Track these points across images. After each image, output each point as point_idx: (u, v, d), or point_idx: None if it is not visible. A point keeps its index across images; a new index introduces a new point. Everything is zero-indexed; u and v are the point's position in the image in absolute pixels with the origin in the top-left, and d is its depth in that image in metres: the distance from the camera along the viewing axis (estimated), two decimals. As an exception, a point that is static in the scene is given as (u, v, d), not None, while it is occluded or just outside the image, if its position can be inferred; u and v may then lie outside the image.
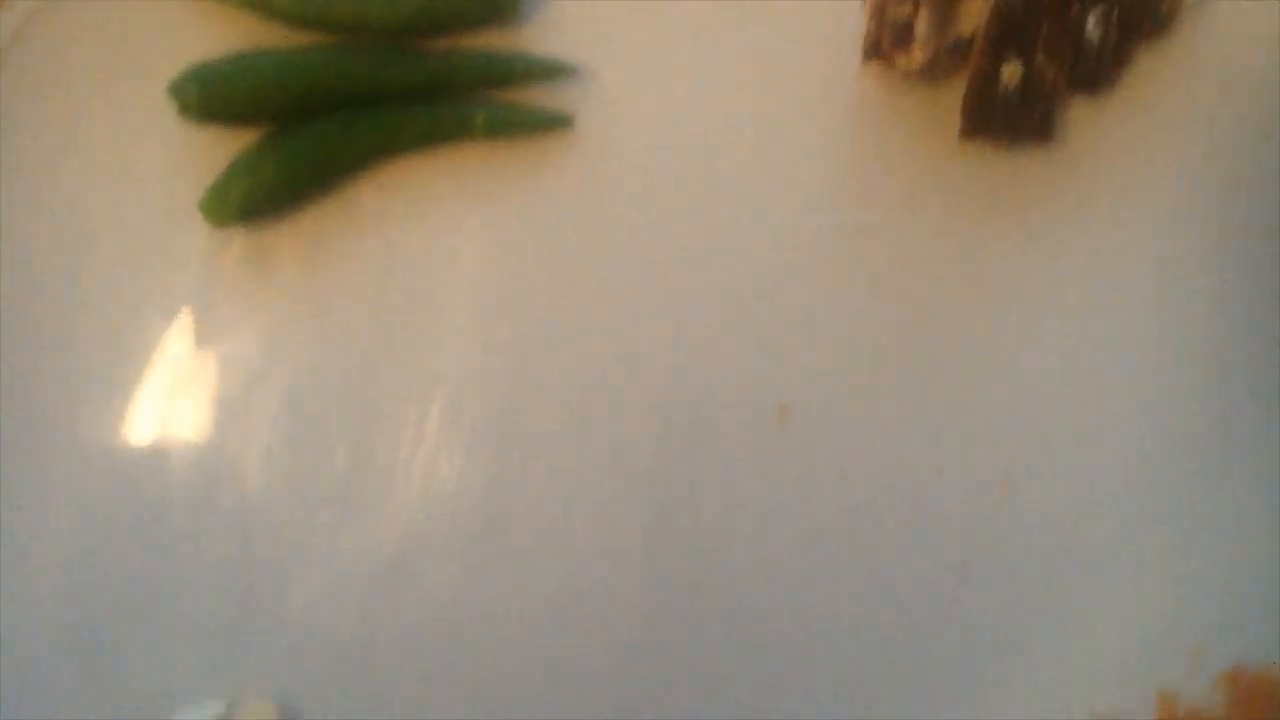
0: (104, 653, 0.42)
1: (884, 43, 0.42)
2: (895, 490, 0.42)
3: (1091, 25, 0.42)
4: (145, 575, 0.42)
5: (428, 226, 0.43)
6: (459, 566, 0.42)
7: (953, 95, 0.43)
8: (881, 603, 0.41)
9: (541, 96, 0.44)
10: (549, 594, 0.42)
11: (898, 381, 0.42)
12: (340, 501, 0.42)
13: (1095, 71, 0.42)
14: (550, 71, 0.44)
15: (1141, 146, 0.43)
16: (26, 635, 0.42)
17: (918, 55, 0.42)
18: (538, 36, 0.44)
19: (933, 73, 0.43)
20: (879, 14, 0.42)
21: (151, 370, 0.43)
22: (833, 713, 0.41)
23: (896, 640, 0.41)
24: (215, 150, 0.42)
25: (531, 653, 0.42)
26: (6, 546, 0.42)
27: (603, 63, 0.44)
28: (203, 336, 0.43)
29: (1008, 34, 0.41)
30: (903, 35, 0.41)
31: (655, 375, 0.42)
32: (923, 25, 0.41)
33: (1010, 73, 0.41)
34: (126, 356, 0.43)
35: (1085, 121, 0.43)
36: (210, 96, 0.42)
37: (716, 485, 0.42)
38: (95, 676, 0.42)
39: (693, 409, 0.42)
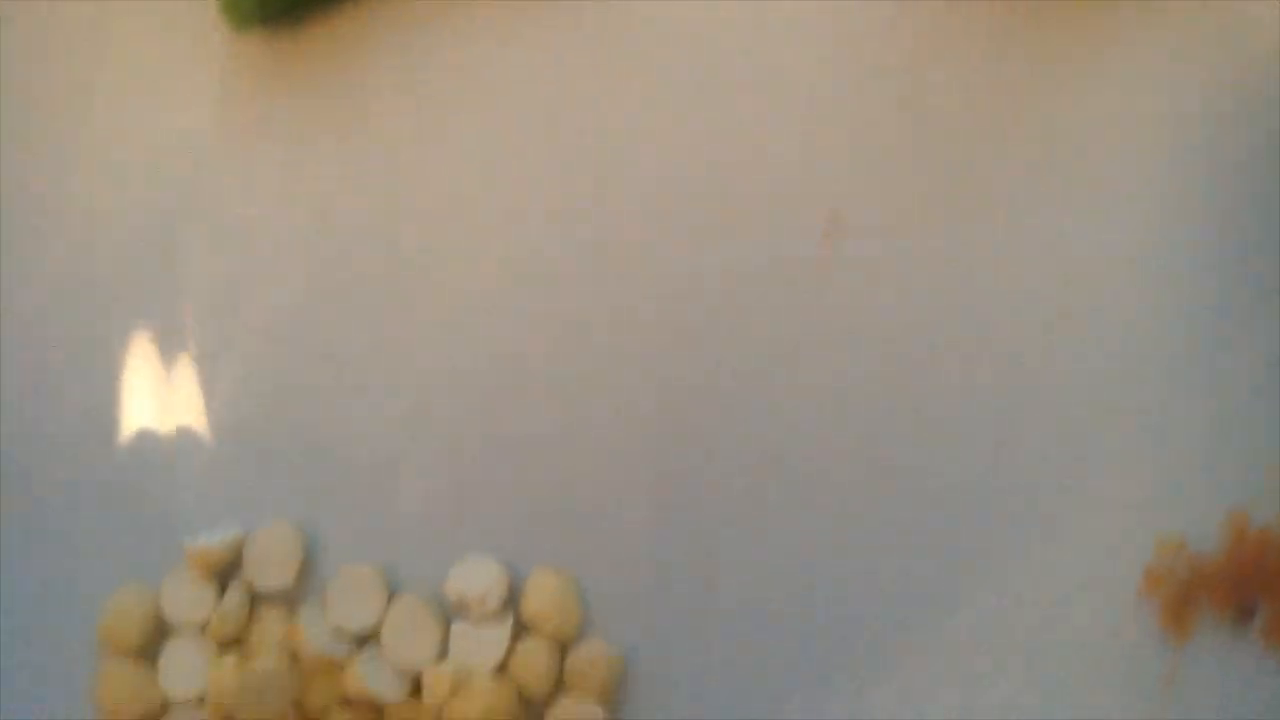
0: (121, 480, 0.40)
1: None
2: (948, 309, 0.40)
3: None
4: (161, 396, 0.40)
5: (461, 30, 0.41)
6: (485, 391, 0.40)
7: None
8: (938, 423, 0.39)
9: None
10: (574, 416, 0.40)
11: (948, 198, 0.40)
12: (367, 326, 0.40)
13: None
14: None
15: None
16: (39, 465, 0.40)
17: None
18: None
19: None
20: None
21: (166, 181, 0.41)
22: (886, 536, 0.39)
23: (950, 463, 0.39)
24: (236, -54, 0.41)
25: (553, 481, 0.40)
26: (10, 372, 0.40)
27: None
28: (221, 147, 0.41)
29: None
30: None
31: (696, 185, 0.40)
32: None
33: None
34: (139, 167, 0.41)
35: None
36: (231, -112, 0.40)
37: (757, 295, 0.40)
38: (112, 505, 0.40)
39: (737, 217, 0.40)
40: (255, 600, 0.39)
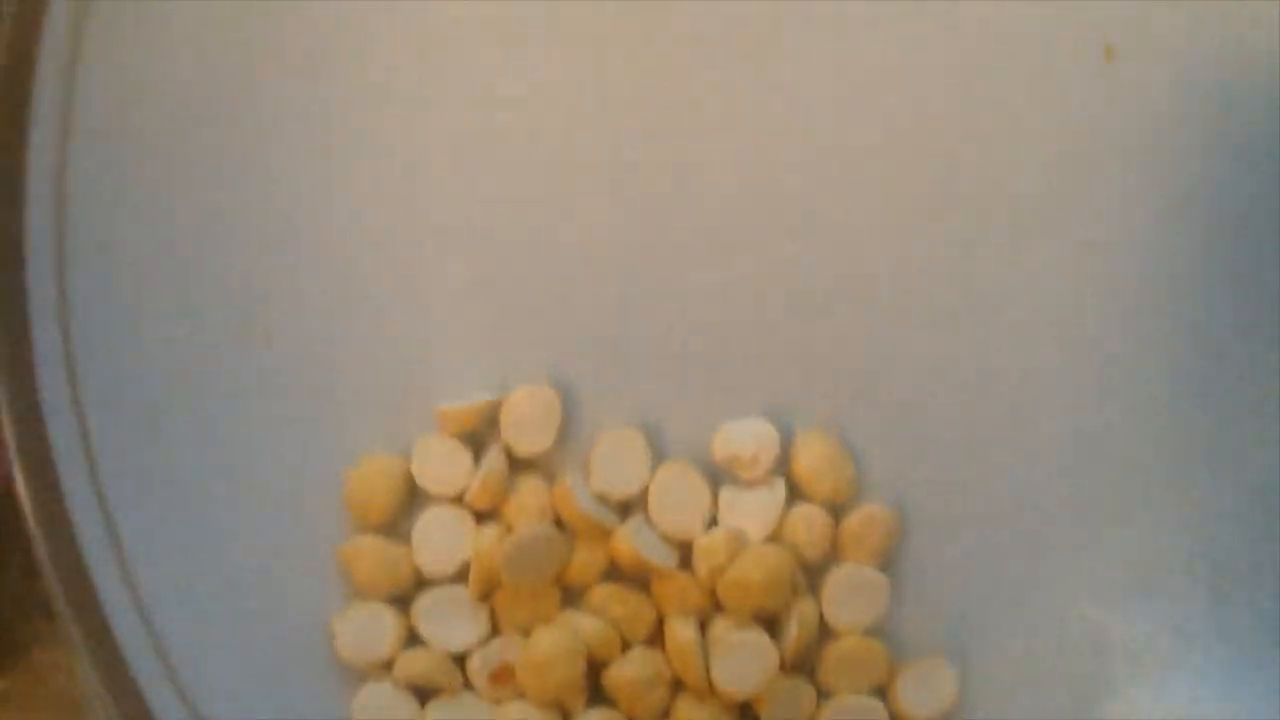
0: (369, 343, 0.38)
1: None
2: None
3: None
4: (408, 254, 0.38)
5: None
6: (750, 247, 0.38)
7: None
8: None
9: None
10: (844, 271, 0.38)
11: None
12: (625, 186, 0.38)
13: None
14: None
15: None
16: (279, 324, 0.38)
17: None
18: None
19: None
20: None
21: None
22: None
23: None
24: None
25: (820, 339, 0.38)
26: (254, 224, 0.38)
27: None
28: None
29: None
30: None
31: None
32: None
33: None
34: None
35: None
36: None
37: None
38: (360, 370, 0.38)
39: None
40: (511, 468, 0.37)
